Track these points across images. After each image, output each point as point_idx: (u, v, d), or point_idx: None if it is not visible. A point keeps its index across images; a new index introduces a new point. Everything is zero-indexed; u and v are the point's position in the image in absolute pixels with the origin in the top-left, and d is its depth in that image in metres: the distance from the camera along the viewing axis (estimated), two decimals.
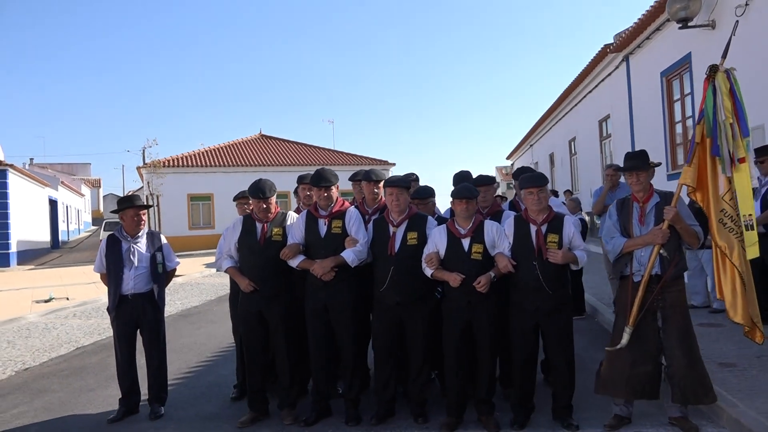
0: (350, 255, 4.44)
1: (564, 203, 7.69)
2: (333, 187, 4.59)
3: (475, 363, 4.36)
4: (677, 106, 11.21)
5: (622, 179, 7.78)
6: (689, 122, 10.62)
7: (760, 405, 4.14)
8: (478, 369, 4.35)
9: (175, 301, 12.13)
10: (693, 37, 9.73)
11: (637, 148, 13.14)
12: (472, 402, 4.43)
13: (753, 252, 3.94)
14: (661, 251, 3.99)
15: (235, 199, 5.61)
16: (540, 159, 26.07)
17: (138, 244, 5.02)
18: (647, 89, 12.42)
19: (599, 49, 14.59)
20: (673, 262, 4.01)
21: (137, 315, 4.97)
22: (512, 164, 33.24)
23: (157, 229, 16.94)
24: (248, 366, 4.80)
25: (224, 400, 5.32)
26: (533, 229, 4.22)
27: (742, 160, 3.96)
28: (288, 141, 34.26)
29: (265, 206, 4.67)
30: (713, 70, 4.08)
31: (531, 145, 27.74)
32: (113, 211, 5.17)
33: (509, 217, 4.55)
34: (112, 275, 4.95)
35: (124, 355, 5.01)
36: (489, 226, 4.33)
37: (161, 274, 5.07)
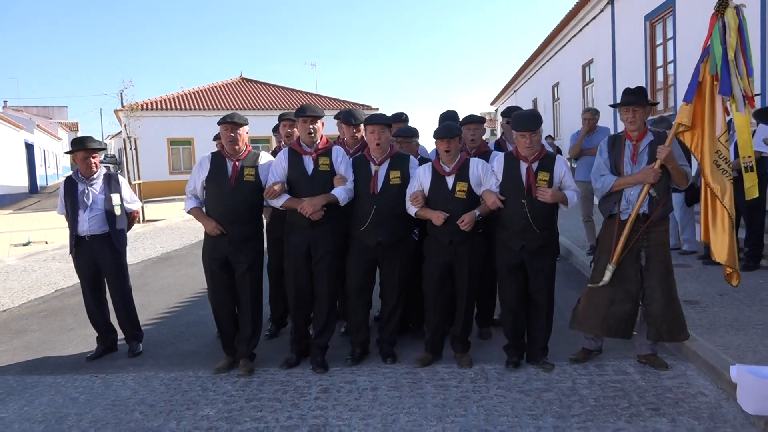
0: (342, 193, 4.27)
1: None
2: (319, 121, 4.36)
3: (455, 301, 4.35)
4: (659, 51, 11.15)
5: (600, 123, 7.83)
6: (670, 67, 10.59)
7: (717, 339, 4.32)
8: (456, 307, 4.35)
9: (155, 244, 12.13)
10: None
11: (618, 94, 13.20)
12: (449, 340, 4.48)
13: (752, 192, 3.97)
14: (651, 191, 3.93)
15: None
16: (523, 105, 25.87)
17: (93, 186, 4.96)
18: (631, 33, 12.29)
19: None
20: (662, 202, 3.96)
21: (95, 256, 4.96)
22: (496, 110, 33.03)
23: (137, 174, 16.71)
24: (215, 313, 4.60)
25: (202, 338, 5.42)
26: (524, 166, 4.09)
27: (751, 99, 3.81)
28: (269, 84, 33.47)
29: (232, 134, 4.36)
30: (723, 5, 3.83)
31: (515, 91, 27.50)
32: (66, 152, 5.11)
33: (498, 155, 4.40)
34: (70, 217, 4.95)
35: (90, 295, 5.06)
36: (474, 163, 4.22)
37: (119, 216, 5.02)
